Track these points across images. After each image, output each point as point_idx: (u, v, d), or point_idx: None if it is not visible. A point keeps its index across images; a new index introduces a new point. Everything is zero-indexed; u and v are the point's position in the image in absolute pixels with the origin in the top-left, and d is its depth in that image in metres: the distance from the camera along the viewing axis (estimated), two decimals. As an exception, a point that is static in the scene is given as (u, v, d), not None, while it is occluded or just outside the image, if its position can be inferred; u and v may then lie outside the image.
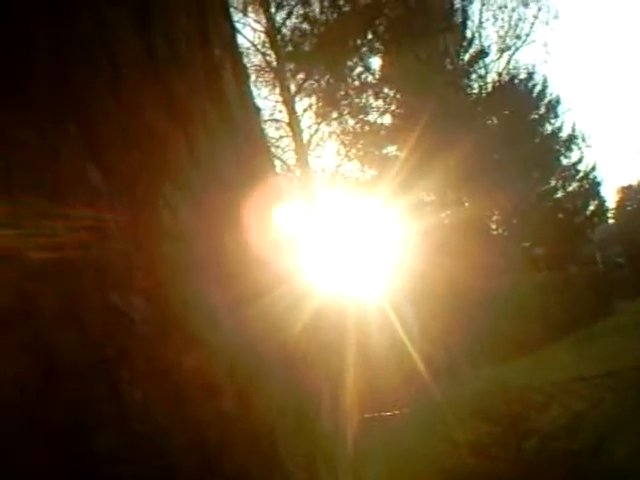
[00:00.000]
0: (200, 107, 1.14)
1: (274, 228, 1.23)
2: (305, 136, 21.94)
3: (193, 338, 0.98)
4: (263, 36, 20.11)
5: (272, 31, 19.68)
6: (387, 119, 25.02)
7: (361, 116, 23.61)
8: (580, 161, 28.40)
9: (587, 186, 28.58)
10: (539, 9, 26.83)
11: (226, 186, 1.15)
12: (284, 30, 20.39)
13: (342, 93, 22.51)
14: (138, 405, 0.90)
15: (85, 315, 0.89)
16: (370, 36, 21.65)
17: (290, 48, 20.52)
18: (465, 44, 26.73)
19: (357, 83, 23.06)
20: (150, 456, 0.91)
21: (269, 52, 20.47)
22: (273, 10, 19.91)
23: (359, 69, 22.97)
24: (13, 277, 0.86)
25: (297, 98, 21.60)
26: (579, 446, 8.45)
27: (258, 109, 1.54)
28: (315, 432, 1.17)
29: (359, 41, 21.66)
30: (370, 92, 23.58)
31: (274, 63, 20.51)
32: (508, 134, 24.98)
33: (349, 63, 22.28)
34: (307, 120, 22.72)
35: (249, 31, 19.99)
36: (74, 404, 0.87)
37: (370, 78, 23.58)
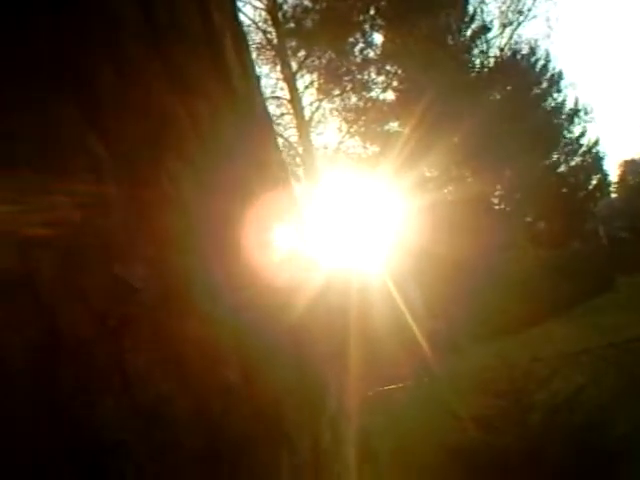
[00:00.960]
0: (201, 77, 1.12)
1: (278, 207, 1.21)
2: (307, 113, 21.91)
3: (196, 308, 0.97)
4: (264, 14, 20.00)
5: (273, 8, 19.56)
6: (389, 95, 24.94)
7: (363, 92, 23.51)
8: (583, 135, 28.33)
9: (590, 160, 28.50)
10: (542, -17, 26.64)
11: (229, 160, 1.13)
12: (285, 7, 20.28)
13: (344, 69, 22.39)
14: (141, 373, 0.90)
15: (87, 285, 0.89)
16: (372, 12, 21.52)
17: (292, 25, 20.41)
18: (467, 20, 26.51)
19: (359, 59, 22.91)
20: (153, 424, 0.91)
21: (270, 29, 20.37)
22: (274, -13, 19.81)
23: (361, 45, 22.82)
24: (15, 249, 0.87)
25: (298, 75, 21.54)
26: (581, 419, 8.50)
27: (258, 79, 1.55)
28: (320, 406, 1.17)
29: (361, 17, 21.53)
30: (372, 68, 23.46)
31: (275, 41, 20.40)
32: (511, 109, 24.86)
33: (351, 39, 22.13)
34: (309, 97, 22.69)
35: (250, 9, 19.91)
36: (78, 373, 0.87)
37: (372, 54, 23.42)
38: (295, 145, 21.67)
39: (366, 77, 23.51)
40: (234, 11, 1.39)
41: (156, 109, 1.03)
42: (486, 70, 26.86)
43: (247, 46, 1.40)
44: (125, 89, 1.00)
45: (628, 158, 34.69)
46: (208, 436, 0.97)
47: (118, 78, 0.99)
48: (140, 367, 0.91)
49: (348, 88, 22.91)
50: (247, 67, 1.33)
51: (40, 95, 0.94)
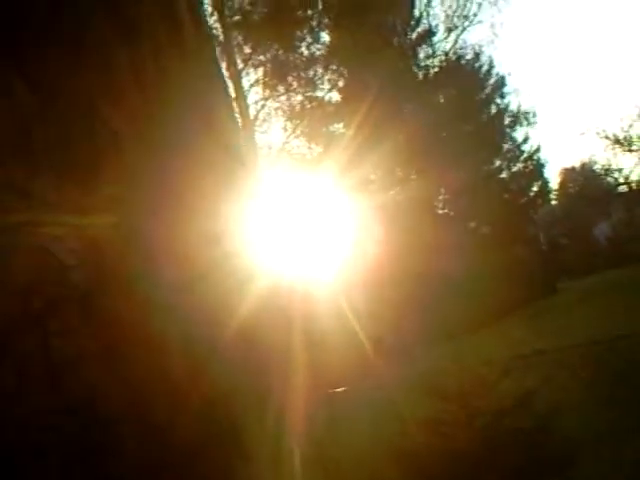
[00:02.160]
0: (150, 31, 1.01)
1: (226, 202, 1.13)
2: (252, 112, 21.73)
3: (137, 293, 0.88)
4: (209, 7, 19.69)
5: (219, 1, 19.26)
6: (335, 96, 25.01)
7: (309, 92, 23.51)
8: (525, 142, 28.94)
9: (531, 167, 29.10)
10: (487, -10, 26.99)
11: (182, 134, 1.02)
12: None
13: (290, 66, 22.33)
14: (71, 363, 0.82)
15: (13, 261, 0.79)
16: (320, 7, 21.51)
17: (238, 18, 20.18)
18: (413, 22, 26.82)
19: (305, 56, 22.89)
20: (83, 423, 0.82)
21: (215, 25, 20.07)
22: (220, -21, 19.55)
23: (308, 41, 22.81)
24: None
25: (244, 73, 21.35)
26: (530, 423, 8.47)
27: (210, 37, 1.49)
28: (266, 408, 1.12)
29: (309, 12, 21.50)
30: (318, 66, 23.47)
31: (221, 36, 20.10)
32: (455, 113, 25.23)
33: (298, 34, 22.09)
34: (254, 95, 22.53)
35: (194, 1, 19.52)
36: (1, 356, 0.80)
37: (318, 52, 23.44)
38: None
39: (312, 74, 23.50)
40: None
41: (97, 56, 0.93)
42: (431, 73, 27.16)
43: (202, 5, 1.39)
44: (60, 29, 0.89)
45: (568, 166, 35.62)
46: (148, 439, 0.88)
47: (53, 17, 0.88)
48: (67, 354, 0.84)
49: (294, 86, 22.86)
50: (207, 50, 1.30)
51: None
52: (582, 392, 9.15)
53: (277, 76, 22.09)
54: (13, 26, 0.81)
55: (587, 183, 33.00)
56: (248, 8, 20.15)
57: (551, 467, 7.98)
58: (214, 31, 20.18)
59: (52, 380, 0.81)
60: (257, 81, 22.36)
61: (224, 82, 1.38)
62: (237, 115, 21.25)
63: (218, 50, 20.75)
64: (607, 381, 9.24)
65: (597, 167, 33.47)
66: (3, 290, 0.79)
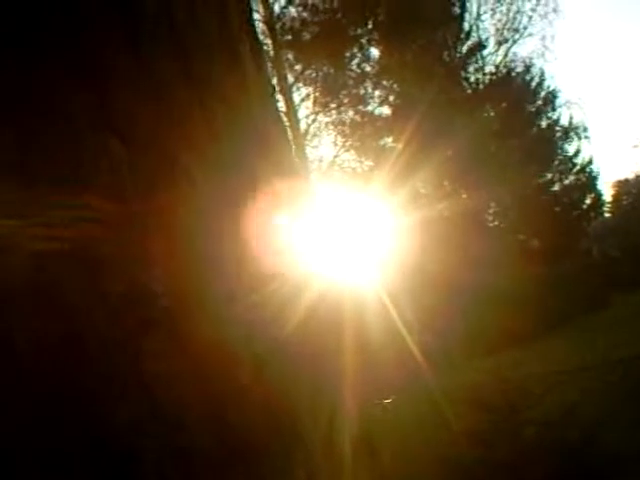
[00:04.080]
0: (217, 76, 1.13)
1: (279, 217, 1.21)
2: (302, 126, 21.91)
3: (210, 313, 0.98)
4: (261, 25, 20.03)
5: (270, 20, 19.61)
6: (385, 110, 25.04)
7: (359, 106, 23.60)
8: (577, 154, 28.39)
9: (584, 179, 28.54)
10: (537, 2, 26.81)
11: (243, 162, 1.13)
12: (283, 19, 20.35)
13: (341, 83, 22.47)
14: (161, 377, 0.90)
15: (108, 288, 0.89)
16: (370, 26, 21.62)
17: (289, 37, 20.47)
18: (463, 36, 26.66)
19: (356, 73, 23.02)
20: (172, 428, 0.90)
21: (267, 41, 20.40)
22: (272, -1, 19.90)
23: (358, 59, 22.93)
24: (35, 259, 0.85)
25: (295, 88, 21.60)
26: (575, 435, 8.47)
27: (273, 88, 1.53)
28: (320, 409, 1.18)
29: (359, 30, 21.62)
30: (369, 82, 23.57)
31: (272, 52, 20.43)
32: (505, 126, 24.99)
33: (348, 53, 22.23)
34: (304, 110, 22.73)
35: (247, 20, 19.81)
36: (98, 374, 0.87)
37: (369, 68, 23.54)
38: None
39: (362, 91, 23.62)
40: (250, 16, 1.42)
41: (172, 106, 1.03)
42: (481, 87, 26.98)
43: (262, 51, 1.44)
44: (143, 87, 0.99)
45: (622, 178, 34.89)
46: (224, 439, 0.97)
47: (136, 77, 0.99)
48: (159, 370, 0.91)
49: (344, 102, 22.98)
50: (262, 71, 1.36)
51: (56, 94, 0.92)
52: (623, 406, 9.11)
53: (328, 92, 22.20)
54: (106, 84, 0.93)
55: (641, 195, 32.37)
56: (299, 28, 20.39)
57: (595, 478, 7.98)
58: (265, 47, 20.53)
59: (145, 392, 0.88)
60: (307, 96, 22.55)
61: (276, 105, 1.43)
62: (288, 129, 21.33)
63: (269, 66, 21.11)
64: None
65: (651, 179, 32.87)
66: (106, 315, 0.86)
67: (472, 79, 27.35)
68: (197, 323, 0.96)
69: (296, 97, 21.61)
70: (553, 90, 28.08)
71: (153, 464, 0.88)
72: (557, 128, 28.32)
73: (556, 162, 28.16)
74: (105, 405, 0.87)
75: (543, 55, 27.79)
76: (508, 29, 27.23)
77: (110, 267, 0.90)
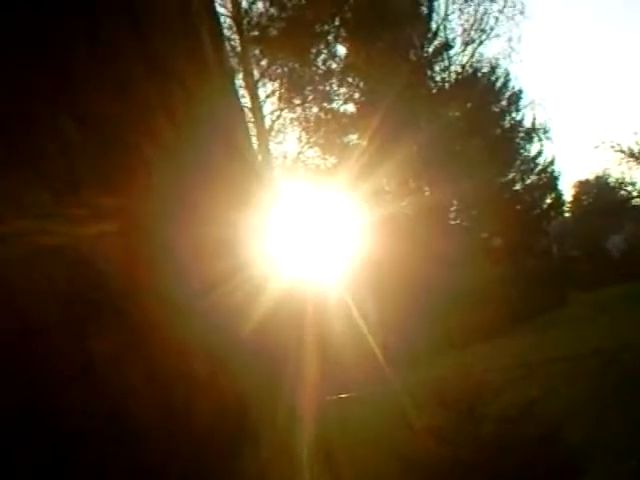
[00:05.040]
0: (177, 64, 1.09)
1: (242, 210, 1.17)
2: (267, 122, 21.87)
3: (166, 300, 0.96)
4: (229, 20, 19.94)
5: (238, 15, 19.52)
6: (350, 107, 25.10)
7: (324, 104, 23.60)
8: (539, 155, 28.80)
9: (545, 179, 28.98)
10: (505, 4, 26.99)
11: (203, 153, 1.11)
12: (250, 14, 20.28)
13: (306, 79, 22.45)
14: (106, 360, 0.88)
15: (52, 269, 0.86)
16: (337, 23, 21.65)
17: (256, 32, 20.40)
18: (430, 36, 26.85)
19: (322, 70, 23.02)
20: (117, 413, 0.88)
21: (234, 37, 20.31)
22: (239, -7, 19.79)
23: (324, 56, 22.93)
24: None
25: (260, 84, 21.52)
26: (534, 431, 8.57)
27: (232, 70, 1.48)
28: (277, 408, 1.16)
29: (326, 27, 21.63)
30: (334, 79, 23.60)
31: (238, 48, 20.34)
32: (470, 126, 25.24)
33: (314, 49, 22.23)
34: (269, 106, 22.67)
35: (213, 15, 19.69)
36: (41, 358, 0.84)
37: (335, 65, 23.56)
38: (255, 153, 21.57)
39: (328, 88, 23.63)
40: (212, 5, 1.37)
41: (129, 91, 0.99)
42: (447, 86, 27.20)
43: (223, 39, 1.39)
44: (101, 72, 0.96)
45: (582, 178, 35.42)
46: (169, 425, 0.94)
47: (94, 61, 0.96)
48: (105, 354, 0.89)
49: (310, 98, 22.98)
50: (222, 58, 1.32)
51: (8, 73, 0.89)
52: (583, 400, 9.25)
53: (293, 89, 22.16)
54: (63, 71, 0.91)
55: (601, 196, 32.87)
56: (266, 23, 20.34)
57: (553, 476, 8.08)
58: (232, 43, 20.43)
59: (90, 376, 0.86)
60: (273, 92, 22.44)
61: (238, 97, 1.40)
62: (252, 125, 21.38)
63: (235, 62, 21.01)
64: (608, 389, 9.33)
65: (611, 180, 33.44)
66: (45, 293, 0.84)
67: (438, 78, 27.60)
68: (151, 310, 0.93)
69: (261, 93, 21.57)
70: (518, 91, 28.49)
71: (95, 447, 0.86)
72: (520, 128, 28.70)
73: (518, 162, 28.56)
74: (47, 387, 0.84)
75: (509, 56, 28.04)
76: (475, 30, 27.45)
77: (57, 250, 0.88)
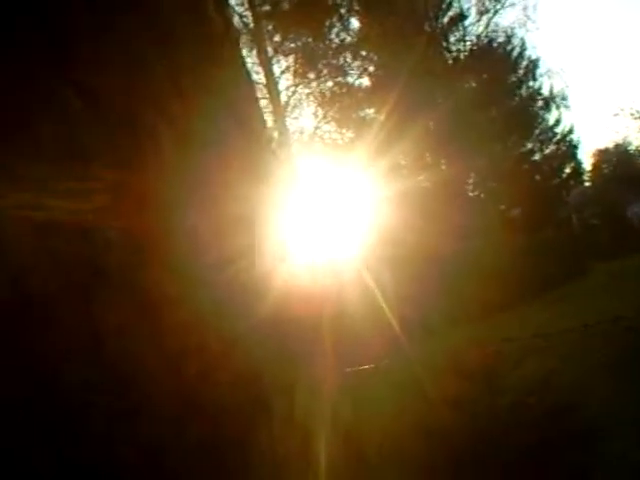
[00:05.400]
0: (185, 37, 1.11)
1: (259, 186, 1.19)
2: (283, 98, 21.83)
3: (175, 270, 0.97)
4: (240, -3, 19.85)
5: (249, -10, 19.43)
6: (365, 81, 24.97)
7: (339, 78, 23.51)
8: (557, 124, 28.49)
9: (564, 149, 28.69)
10: (520, -28, 26.61)
11: (216, 133, 1.12)
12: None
13: (320, 54, 22.35)
14: (112, 329, 0.88)
15: (57, 241, 0.86)
16: (350, -6, 21.52)
17: (268, 7, 20.28)
18: (444, 6, 26.56)
19: (336, 43, 22.89)
20: (126, 384, 0.89)
21: (246, 13, 20.22)
22: (251, -31, 19.66)
23: (337, 29, 22.79)
24: None
25: (275, 60, 21.46)
26: (553, 401, 8.56)
27: (238, 41, 1.48)
28: (294, 381, 1.20)
29: (338, 0, 21.49)
30: (348, 53, 23.46)
31: (251, 25, 20.24)
32: (486, 97, 24.99)
33: (327, 23, 22.08)
34: (285, 82, 22.62)
35: (225, -9, 19.62)
36: (47, 328, 0.84)
37: (348, 39, 23.40)
38: (271, 130, 21.56)
39: (342, 62, 23.51)
40: None
41: (137, 64, 1.00)
42: (462, 57, 26.92)
43: (230, 11, 1.40)
44: (109, 49, 0.97)
45: (602, 147, 35.04)
46: (183, 398, 0.95)
47: (101, 36, 0.96)
48: (110, 323, 0.88)
49: (324, 73, 22.89)
50: (230, 30, 1.35)
51: (16, 48, 0.87)
52: (602, 369, 9.20)
53: (307, 63, 22.10)
54: (66, 41, 0.90)
55: (621, 164, 32.55)
56: (278, -1, 20.24)
57: (575, 444, 8.08)
58: (244, 19, 20.35)
59: (96, 345, 0.85)
60: (288, 68, 22.41)
61: (250, 77, 1.42)
62: (268, 101, 21.34)
63: (248, 39, 20.92)
64: (628, 357, 9.29)
65: (631, 148, 33.10)
66: (51, 261, 0.84)
67: (453, 49, 27.28)
68: (166, 283, 0.94)
69: (276, 69, 21.53)
70: (534, 60, 28.10)
71: (103, 419, 0.87)
72: (538, 98, 28.37)
73: (536, 132, 28.25)
74: (55, 358, 0.85)
75: (525, 25, 27.74)
76: (490, -1, 27.09)
77: (72, 224, 0.89)
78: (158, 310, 0.91)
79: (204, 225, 1.02)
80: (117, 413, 0.86)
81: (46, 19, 0.88)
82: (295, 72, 22.45)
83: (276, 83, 21.14)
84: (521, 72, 28.14)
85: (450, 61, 26.89)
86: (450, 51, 27.08)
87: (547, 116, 28.58)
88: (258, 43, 20.16)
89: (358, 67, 24.07)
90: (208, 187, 1.03)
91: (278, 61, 21.96)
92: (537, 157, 28.45)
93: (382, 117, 20.88)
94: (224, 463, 0.98)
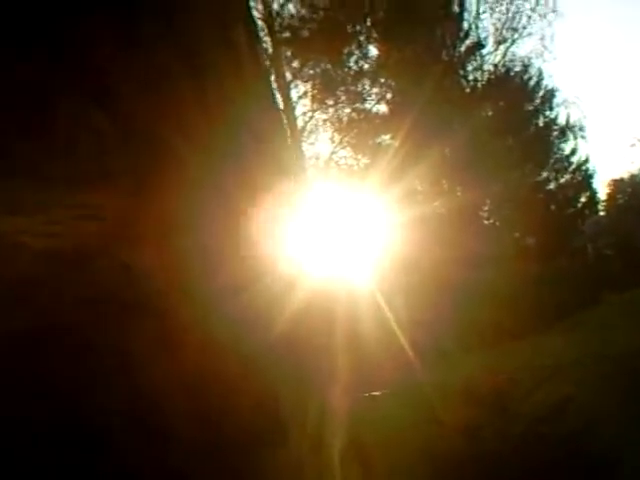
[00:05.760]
0: (213, 66, 1.13)
1: (274, 212, 1.21)
2: (299, 123, 21.96)
3: (199, 302, 0.98)
4: (260, 22, 20.06)
5: (269, 17, 19.66)
6: (382, 108, 25.06)
7: (357, 104, 23.62)
8: (573, 153, 28.49)
9: (579, 178, 28.66)
10: (537, 2, 26.75)
11: (237, 154, 1.13)
12: (282, 15, 20.40)
13: (338, 80, 22.49)
14: (142, 359, 0.91)
15: (91, 271, 0.88)
16: (368, 23, 21.66)
17: (287, 34, 20.51)
18: (462, 35, 26.66)
19: (353, 71, 23.05)
20: (152, 411, 0.91)
21: (265, 39, 20.43)
22: (271, -4, 19.93)
23: (356, 56, 22.94)
24: (16, 243, 0.83)
25: (292, 85, 21.64)
26: (566, 430, 8.53)
27: (268, 70, 1.49)
28: (309, 404, 1.21)
29: (357, 28, 21.66)
30: (366, 80, 23.59)
31: (270, 50, 20.46)
32: (503, 125, 25.06)
33: (346, 50, 22.25)
34: (302, 107, 22.76)
35: (246, 17, 19.83)
36: (77, 357, 0.87)
37: (367, 66, 23.56)
38: (289, 154, 21.64)
39: (360, 88, 23.64)
40: (247, 4, 1.46)
41: (165, 86, 1.02)
42: (479, 86, 27.04)
43: (259, 39, 1.43)
44: (138, 69, 0.99)
45: (617, 177, 34.96)
46: (204, 423, 0.97)
47: (131, 58, 0.99)
48: (141, 354, 0.92)
49: (342, 99, 23.02)
50: (258, 58, 1.40)
51: (42, 68, 0.90)
52: (615, 401, 9.19)
53: (325, 89, 22.21)
54: (97, 66, 0.92)
55: (636, 194, 32.46)
56: (297, 25, 20.43)
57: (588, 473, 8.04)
58: (263, 44, 20.55)
59: (127, 374, 0.88)
60: (305, 93, 22.52)
61: (274, 99, 1.43)
62: (285, 126, 21.45)
63: (267, 63, 21.13)
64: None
65: (646, 179, 32.99)
66: (85, 294, 0.86)
67: (470, 78, 27.41)
68: (186, 311, 0.96)
69: (294, 94, 21.69)
70: (551, 89, 28.17)
71: (134, 445, 0.89)
72: (554, 127, 28.39)
73: (552, 160, 28.25)
74: (87, 388, 0.87)
75: (542, 55, 27.73)
76: (507, 29, 27.19)
77: (94, 253, 0.90)
78: (176, 334, 0.93)
79: (224, 250, 1.03)
80: (141, 438, 0.88)
81: (67, 35, 0.90)
82: (313, 98, 22.60)
83: (293, 108, 21.29)
84: (538, 101, 28.20)
85: (467, 89, 26.99)
86: (467, 79, 27.21)
87: (563, 145, 28.62)
88: (276, 68, 20.35)
89: (376, 94, 24.19)
90: (228, 209, 1.05)
91: (296, 86, 22.14)
92: (552, 186, 28.43)
93: (398, 143, 20.93)
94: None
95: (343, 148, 24.47)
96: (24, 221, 0.82)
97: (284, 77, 20.66)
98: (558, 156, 28.57)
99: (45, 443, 0.83)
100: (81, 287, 0.86)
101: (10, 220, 0.81)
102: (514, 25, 27.10)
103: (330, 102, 22.92)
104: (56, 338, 0.84)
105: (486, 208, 26.69)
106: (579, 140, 28.47)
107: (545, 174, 28.12)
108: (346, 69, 22.88)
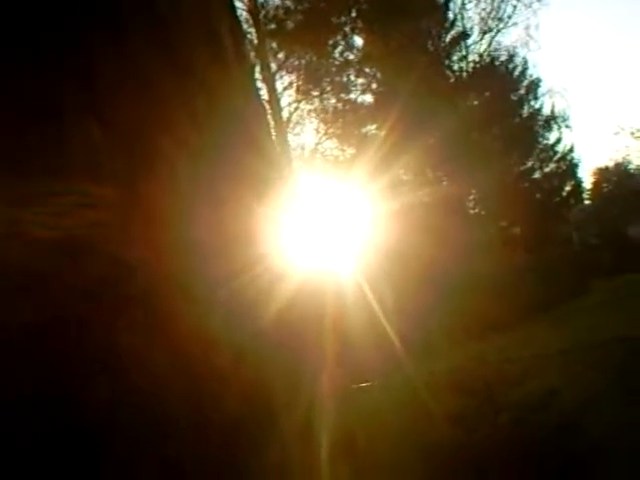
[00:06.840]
0: (199, 65, 1.14)
1: (262, 202, 1.21)
2: (285, 114, 21.92)
3: (190, 294, 0.99)
4: (245, 14, 19.96)
5: (254, 9, 19.55)
6: (367, 98, 25.07)
7: (342, 94, 23.60)
8: (558, 142, 28.60)
9: (564, 167, 28.78)
10: (523, -8, 26.78)
11: (225, 150, 1.14)
12: (267, 7, 20.32)
13: (324, 71, 22.46)
14: (135, 353, 0.91)
15: (83, 266, 0.89)
16: (353, 14, 21.63)
17: (273, 26, 20.42)
18: (447, 25, 26.70)
19: (339, 61, 23.02)
20: (147, 403, 0.91)
21: (250, 30, 20.34)
22: (256, -13, 19.83)
23: (341, 47, 22.92)
24: (14, 238, 0.85)
25: (278, 76, 21.56)
26: (555, 419, 8.54)
27: (253, 68, 1.48)
28: (298, 395, 1.20)
29: (342, 19, 21.62)
30: (352, 70, 23.58)
31: (255, 41, 20.37)
32: (488, 115, 25.11)
33: (331, 41, 22.22)
34: (287, 98, 22.71)
35: (230, 8, 19.75)
36: (73, 351, 0.87)
37: (352, 56, 23.53)
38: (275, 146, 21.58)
39: (345, 79, 23.63)
40: (231, 3, 1.42)
41: (153, 93, 1.03)
42: (464, 75, 27.06)
43: (243, 37, 1.49)
44: (124, 73, 1.00)
45: (602, 166, 35.17)
46: (199, 413, 0.97)
47: (117, 63, 0.99)
48: (134, 347, 0.92)
49: (327, 89, 22.99)
50: (243, 56, 1.37)
51: (41, 77, 0.92)
52: (605, 389, 9.21)
53: (311, 80, 22.19)
54: (83, 65, 0.93)
55: (621, 182, 32.68)
56: (282, 16, 20.35)
57: (575, 465, 8.05)
58: (248, 36, 20.46)
59: (121, 368, 0.89)
60: (290, 84, 22.50)
61: (258, 93, 1.43)
62: (270, 117, 21.41)
63: (252, 55, 21.04)
64: (632, 377, 9.28)
65: (631, 167, 33.23)
66: (77, 288, 0.86)
67: (456, 68, 27.43)
68: (178, 304, 0.97)
69: (279, 85, 21.63)
70: (536, 79, 28.27)
71: (127, 437, 0.90)
72: (539, 117, 28.50)
73: (537, 150, 28.36)
74: (81, 380, 0.88)
75: (527, 44, 27.82)
76: (492, 18, 27.25)
77: (88, 247, 0.91)
78: (169, 326, 0.94)
79: (213, 242, 1.04)
80: (138, 429, 0.89)
81: (62, 42, 0.93)
82: (298, 89, 22.55)
83: (278, 99, 21.23)
84: (522, 91, 28.28)
85: (452, 79, 27.02)
86: (452, 69, 27.23)
87: (548, 135, 28.74)
88: (261, 60, 20.26)
89: (361, 84, 24.21)
90: (216, 204, 1.06)
91: (281, 77, 22.08)
92: (537, 175, 28.56)
93: (384, 133, 20.94)
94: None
95: (329, 139, 24.50)
96: (16, 214, 0.84)
97: (269, 68, 20.59)
98: (543, 145, 28.70)
99: (40, 436, 0.84)
100: (74, 281, 0.87)
101: (1, 213, 0.83)
102: (499, 15, 27.22)
103: (315, 93, 22.91)
104: (49, 332, 0.86)
105: (472, 198, 26.77)
106: (564, 129, 28.61)
107: (530, 163, 28.23)
108: (331, 60, 22.85)
